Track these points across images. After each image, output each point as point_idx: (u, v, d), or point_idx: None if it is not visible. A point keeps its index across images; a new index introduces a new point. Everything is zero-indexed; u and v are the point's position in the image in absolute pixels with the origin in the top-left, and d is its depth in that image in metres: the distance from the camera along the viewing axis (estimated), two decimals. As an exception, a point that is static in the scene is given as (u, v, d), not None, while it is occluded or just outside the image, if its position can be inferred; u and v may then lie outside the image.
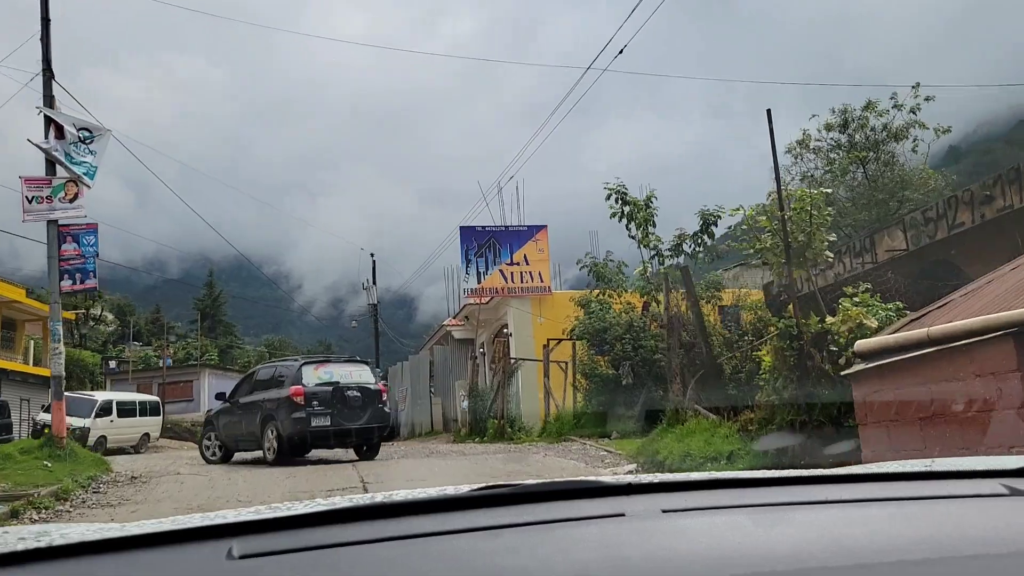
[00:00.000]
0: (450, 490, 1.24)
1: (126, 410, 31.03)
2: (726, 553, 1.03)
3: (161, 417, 33.27)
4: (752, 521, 1.17)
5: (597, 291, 19.34)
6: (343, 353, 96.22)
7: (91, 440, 28.25)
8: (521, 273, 26.36)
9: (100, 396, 30.65)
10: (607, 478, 1.36)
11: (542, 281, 26.43)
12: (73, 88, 23.98)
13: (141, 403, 32.01)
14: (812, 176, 19.33)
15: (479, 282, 26.08)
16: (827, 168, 19.03)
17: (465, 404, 24.90)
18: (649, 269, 17.20)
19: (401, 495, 1.22)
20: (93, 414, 28.98)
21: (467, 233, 26.35)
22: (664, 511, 1.18)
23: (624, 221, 16.69)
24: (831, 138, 19.21)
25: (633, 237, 16.78)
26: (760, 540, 1.08)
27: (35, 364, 35.88)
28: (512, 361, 23.11)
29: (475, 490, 1.21)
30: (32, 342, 37.46)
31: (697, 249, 16.79)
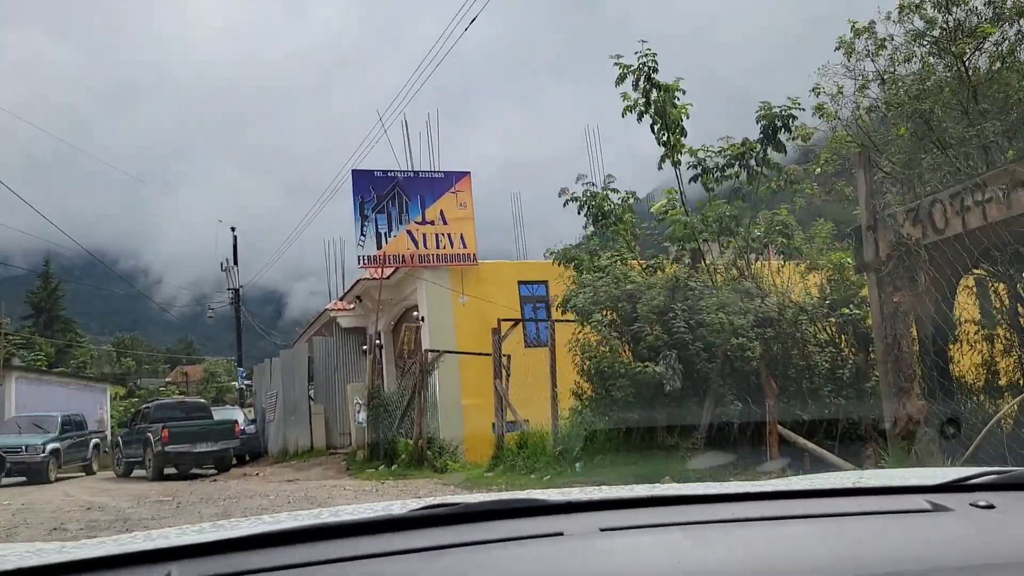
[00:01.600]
0: (395, 509, 1.25)
1: None
2: (660, 572, 1.04)
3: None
4: (687, 539, 1.16)
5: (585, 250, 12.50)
6: (205, 352, 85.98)
7: None
8: (437, 236, 19.35)
9: None
10: (548, 495, 1.35)
11: (465, 247, 19.49)
12: None
13: None
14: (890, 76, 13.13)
15: (379, 247, 18.89)
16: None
17: (362, 417, 17.68)
18: (675, 200, 10.62)
19: (347, 514, 1.24)
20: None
21: (362, 180, 19.08)
22: (602, 529, 1.17)
23: (649, 118, 10.03)
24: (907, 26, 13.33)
25: (664, 143, 10.12)
26: (693, 559, 1.08)
27: None
28: (432, 355, 16.08)
29: (418, 509, 1.22)
30: None
31: (759, 169, 10.32)
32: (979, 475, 1.52)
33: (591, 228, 11.77)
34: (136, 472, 22.84)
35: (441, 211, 19.48)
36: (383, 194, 19.10)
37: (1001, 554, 1.12)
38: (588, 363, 10.15)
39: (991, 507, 1.33)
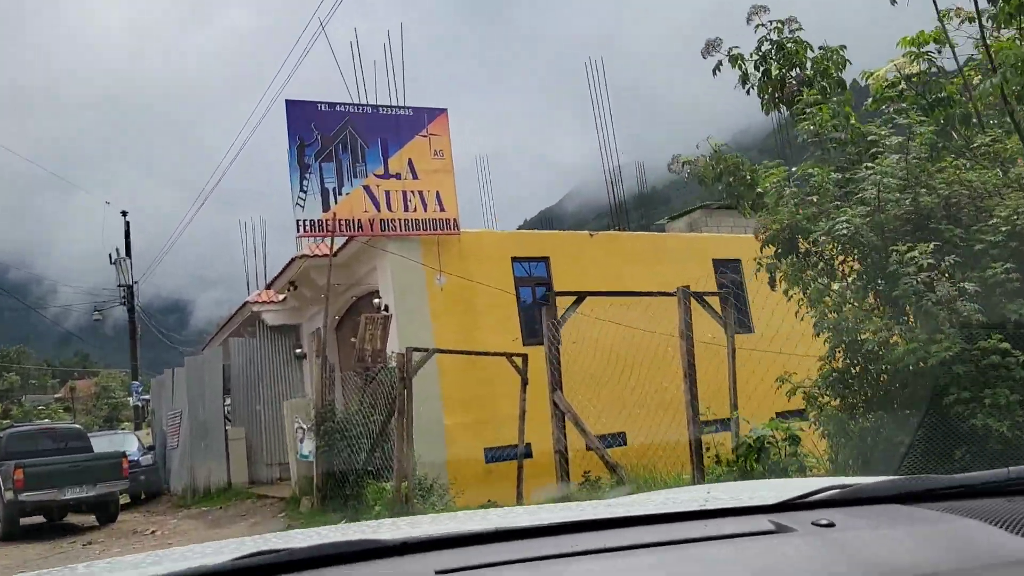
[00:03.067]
0: (216, 557, 1.16)
1: None
2: None
3: None
4: None
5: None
6: (102, 366, 77.86)
7: None
8: (405, 194, 14.11)
9: None
10: (385, 533, 1.32)
11: (442, 209, 14.32)
12: None
13: None
14: None
15: (326, 209, 13.54)
16: None
17: (307, 448, 12.30)
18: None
19: (160, 566, 1.17)
20: None
21: (298, 114, 13.65)
22: (438, 572, 1.12)
23: None
24: None
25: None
26: None
27: None
28: (417, 356, 10.79)
29: (240, 558, 1.12)
30: None
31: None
32: (821, 490, 1.53)
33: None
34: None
35: (410, 160, 14.24)
36: (330, 135, 13.74)
37: (840, 574, 1.11)
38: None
39: (831, 525, 1.34)
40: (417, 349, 10.82)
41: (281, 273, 15.97)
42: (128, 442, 20.57)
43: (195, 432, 18.68)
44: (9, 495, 14.58)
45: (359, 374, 12.85)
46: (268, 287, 16.93)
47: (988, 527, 1.31)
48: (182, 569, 1.09)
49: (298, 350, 18.63)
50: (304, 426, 12.51)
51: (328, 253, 14.80)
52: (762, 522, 1.36)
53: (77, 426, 18.74)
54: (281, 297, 18.29)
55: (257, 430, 18.12)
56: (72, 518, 16.65)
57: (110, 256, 28.77)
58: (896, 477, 1.83)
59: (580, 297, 9.97)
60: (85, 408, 45.68)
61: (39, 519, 15.82)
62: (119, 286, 28.78)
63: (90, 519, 17.09)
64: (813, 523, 1.34)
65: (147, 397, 28.93)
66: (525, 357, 11.47)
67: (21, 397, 66.08)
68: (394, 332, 13.25)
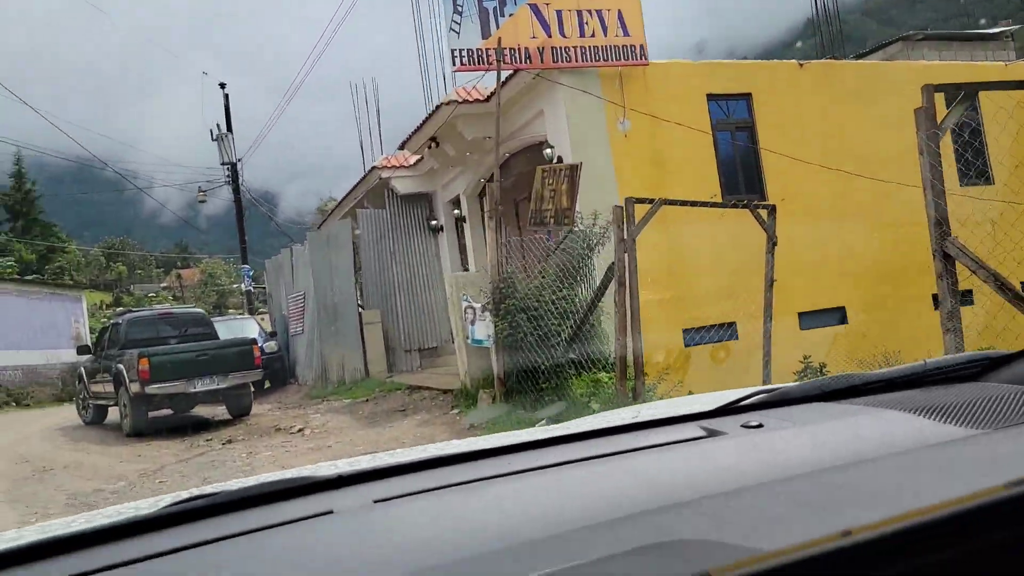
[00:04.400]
0: (142, 509, 1.13)
1: None
2: (437, 538, 0.99)
3: None
4: (466, 500, 1.13)
5: None
6: (203, 252, 78.57)
7: None
8: (581, 16, 11.22)
9: None
10: (318, 471, 1.28)
11: (626, 33, 11.39)
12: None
13: None
14: None
15: (486, 35, 10.81)
16: None
17: (484, 331, 9.98)
18: None
19: (79, 524, 1.10)
20: None
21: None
22: (376, 501, 1.12)
23: None
24: None
25: None
26: (468, 520, 1.05)
27: None
28: (646, 207, 8.15)
29: (171, 504, 1.11)
30: None
31: None
32: (751, 395, 1.58)
33: None
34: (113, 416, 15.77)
35: (585, -25, 11.27)
36: (487, -60, 10.86)
37: (770, 472, 1.11)
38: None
39: (760, 426, 1.38)
40: (639, 200, 8.18)
41: (421, 126, 13.39)
42: (248, 328, 18.89)
43: (323, 316, 16.78)
44: (135, 387, 12.92)
45: (535, 240, 10.37)
46: (402, 146, 14.41)
47: (906, 415, 1.34)
48: (104, 524, 1.04)
49: (433, 222, 16.29)
50: (475, 305, 10.18)
51: (480, 98, 12.17)
52: (695, 429, 1.39)
53: (199, 310, 17.01)
54: (414, 159, 15.86)
55: (392, 313, 16.06)
56: (200, 410, 15.10)
57: (211, 132, 26.79)
58: (823, 378, 1.89)
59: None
60: (194, 296, 45.27)
61: (164, 412, 14.29)
62: (223, 164, 26.91)
63: (219, 412, 15.56)
64: (743, 426, 1.38)
65: (253, 284, 27.51)
66: (772, 208, 8.71)
67: (129, 287, 67.08)
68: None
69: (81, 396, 16.29)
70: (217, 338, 14.90)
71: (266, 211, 33.19)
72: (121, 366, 13.43)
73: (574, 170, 10.02)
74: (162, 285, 68.87)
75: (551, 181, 10.18)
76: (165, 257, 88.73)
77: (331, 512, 1.08)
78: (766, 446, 1.29)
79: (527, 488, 1.17)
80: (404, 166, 15.95)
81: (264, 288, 25.02)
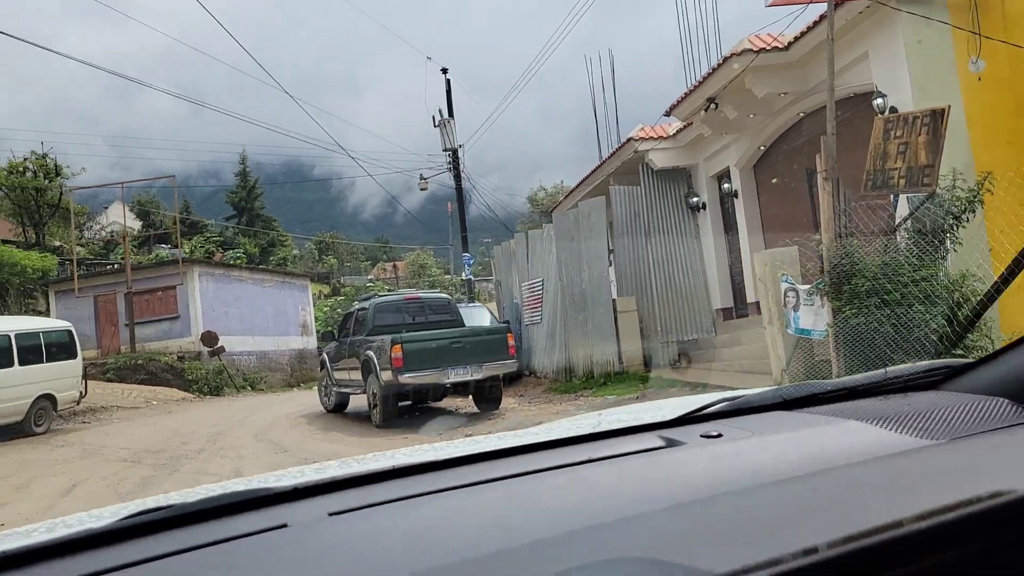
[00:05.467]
0: (90, 523, 1.09)
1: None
2: (389, 553, 0.99)
3: (78, 360, 17.39)
4: (413, 514, 1.11)
5: None
6: (399, 252, 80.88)
7: None
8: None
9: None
10: (272, 482, 1.25)
11: (982, -49, 9.11)
12: None
13: (24, 338, 16.03)
14: None
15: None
16: None
17: (809, 320, 8.11)
18: None
19: (39, 534, 1.09)
20: None
21: None
22: (331, 514, 1.11)
23: None
24: None
25: None
26: (428, 532, 1.05)
27: None
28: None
29: (126, 518, 1.09)
30: None
31: None
32: (711, 404, 1.55)
33: None
34: (356, 403, 15.28)
35: None
36: None
37: (728, 484, 1.10)
38: None
39: (719, 436, 1.36)
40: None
41: (700, 85, 11.65)
42: (477, 316, 17.95)
43: (568, 303, 15.46)
44: (387, 375, 12.11)
45: (872, 207, 8.37)
46: (669, 112, 12.74)
47: (865, 425, 1.34)
48: (56, 537, 1.01)
49: (694, 199, 14.51)
50: (798, 287, 8.35)
51: (779, 46, 10.30)
52: (653, 439, 1.37)
53: (445, 296, 16.22)
54: (673, 130, 14.17)
55: (646, 300, 14.46)
56: (446, 402, 14.21)
57: (434, 118, 26.36)
58: (781, 386, 1.95)
59: None
60: (408, 286, 46.05)
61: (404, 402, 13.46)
62: (444, 150, 26.41)
63: (465, 404, 14.61)
64: (702, 435, 1.36)
65: (470, 274, 26.91)
66: None
67: (339, 278, 70.07)
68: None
69: (324, 383, 15.90)
70: (463, 325, 13.94)
71: (485, 205, 32.56)
72: (371, 352, 12.69)
73: (938, 117, 7.93)
74: (369, 277, 71.38)
75: (900, 133, 8.15)
76: (371, 250, 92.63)
77: (285, 526, 1.06)
78: (725, 457, 1.27)
79: (482, 501, 1.14)
80: (663, 137, 14.28)
81: (491, 276, 24.22)
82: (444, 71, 26.82)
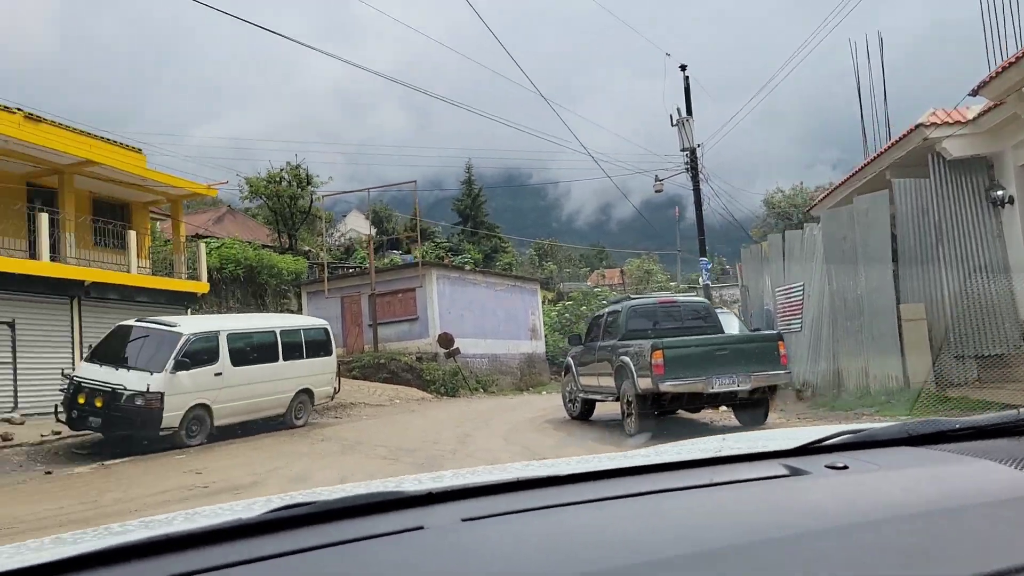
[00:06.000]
0: (248, 511, 1.14)
1: (255, 350, 16.04)
2: (522, 560, 1.02)
3: (333, 357, 18.09)
4: (544, 524, 1.14)
5: None
6: (616, 259, 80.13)
7: (171, 417, 13.93)
8: None
9: (194, 324, 15.73)
10: (408, 485, 1.29)
11: None
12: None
13: (288, 334, 16.84)
14: None
15: None
16: None
17: None
18: None
19: (191, 521, 1.15)
20: (171, 362, 14.16)
21: None
22: (463, 520, 1.14)
23: None
24: None
25: None
26: (552, 545, 1.07)
27: (155, 272, 22.29)
28: None
29: (270, 511, 1.13)
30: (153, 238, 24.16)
31: None
32: (835, 435, 1.54)
33: None
34: (599, 411, 14.67)
35: None
36: None
37: (853, 515, 1.10)
38: None
39: (845, 468, 1.35)
40: None
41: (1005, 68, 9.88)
42: (728, 322, 16.73)
43: (838, 310, 13.94)
44: (644, 383, 11.34)
45: None
46: (976, 92, 11.00)
47: (997, 465, 1.32)
48: (207, 526, 1.07)
49: (998, 192, 12.56)
50: None
51: None
52: (776, 467, 1.37)
53: (703, 300, 15.25)
54: (976, 113, 12.34)
55: (937, 307, 12.68)
56: (698, 413, 13.22)
57: (671, 117, 25.37)
58: (907, 420, 1.84)
59: None
60: (636, 291, 45.24)
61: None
62: (682, 150, 25.34)
63: (722, 417, 13.55)
64: (827, 466, 1.36)
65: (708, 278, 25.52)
66: None
67: (558, 284, 70.51)
68: None
69: (568, 388, 15.41)
70: (723, 331, 12.90)
71: (724, 208, 31.16)
72: (626, 358, 11.97)
73: None
74: (588, 283, 71.27)
75: None
76: (587, 256, 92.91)
77: (421, 528, 1.10)
78: (851, 488, 1.27)
79: (609, 516, 1.17)
80: (960, 122, 12.47)
81: (725, 283, 22.82)
82: (683, 68, 25.79)
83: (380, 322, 26.85)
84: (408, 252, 44.09)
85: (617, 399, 12.68)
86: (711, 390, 11.22)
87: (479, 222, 70.73)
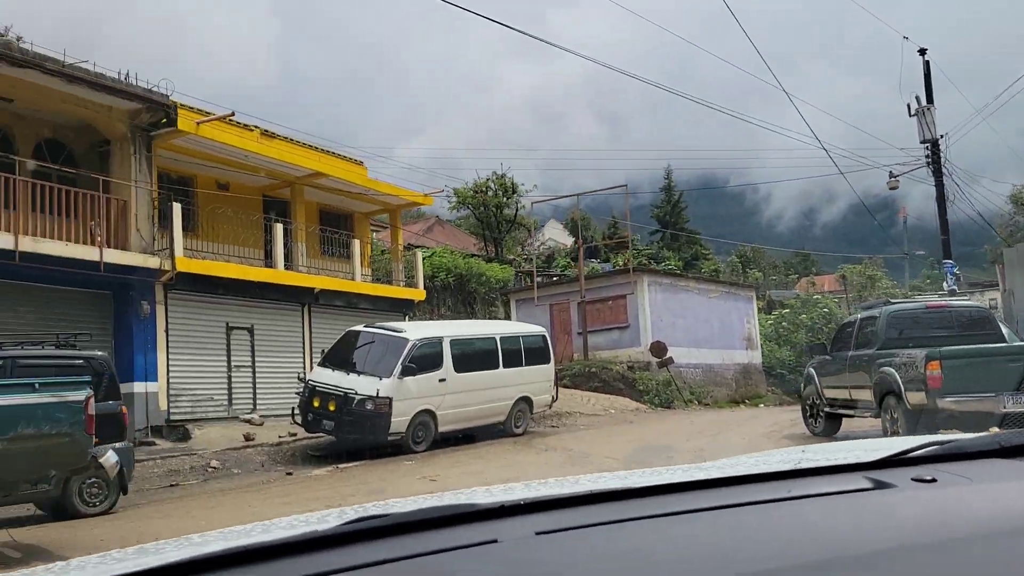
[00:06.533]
0: (325, 523, 1.15)
1: (477, 357, 15.92)
2: (596, 573, 1.02)
3: (551, 365, 17.68)
4: (626, 538, 1.12)
5: None
6: (824, 264, 75.30)
7: (399, 422, 14.03)
8: None
9: (419, 330, 15.75)
10: (480, 498, 1.28)
11: None
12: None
13: (507, 341, 16.60)
14: None
15: None
16: None
17: None
18: None
19: (266, 532, 1.15)
20: (398, 367, 14.24)
21: None
22: (538, 533, 1.12)
23: None
24: None
25: None
26: (633, 558, 1.05)
27: (375, 280, 22.92)
28: None
29: (345, 523, 1.14)
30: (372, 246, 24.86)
31: None
32: (921, 446, 1.51)
33: None
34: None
35: None
36: None
37: (943, 531, 1.07)
38: None
39: (933, 481, 1.31)
40: None
41: None
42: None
43: None
44: (916, 397, 9.94)
45: None
46: None
47: None
48: (283, 537, 1.08)
49: None
50: None
51: None
52: (859, 480, 1.33)
53: (980, 305, 13.52)
54: None
55: None
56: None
57: (908, 107, 23.07)
58: (997, 432, 1.86)
59: None
60: (859, 297, 41.98)
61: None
62: (922, 142, 22.96)
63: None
64: (914, 479, 1.32)
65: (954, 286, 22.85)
66: None
67: (765, 292, 67.34)
68: None
69: (810, 402, 14.04)
70: (1005, 341, 11.17)
71: (975, 210, 28.17)
72: (890, 369, 10.59)
73: None
74: (795, 290, 67.65)
75: None
76: (790, 263, 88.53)
77: (495, 541, 1.09)
78: (940, 503, 1.24)
79: (686, 530, 1.15)
80: None
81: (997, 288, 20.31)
82: (922, 52, 23.42)
83: (590, 330, 26.30)
84: (607, 260, 43.45)
85: (876, 416, 11.29)
86: (1002, 409, 9.62)
87: (679, 228, 69.03)
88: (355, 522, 1.13)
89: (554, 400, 17.80)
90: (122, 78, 15.39)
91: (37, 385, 7.93)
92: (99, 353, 10.37)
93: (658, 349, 25.28)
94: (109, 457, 8.80)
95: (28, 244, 13.65)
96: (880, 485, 1.28)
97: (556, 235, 59.18)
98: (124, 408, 9.97)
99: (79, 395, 8.08)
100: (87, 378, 8.82)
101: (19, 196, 13.94)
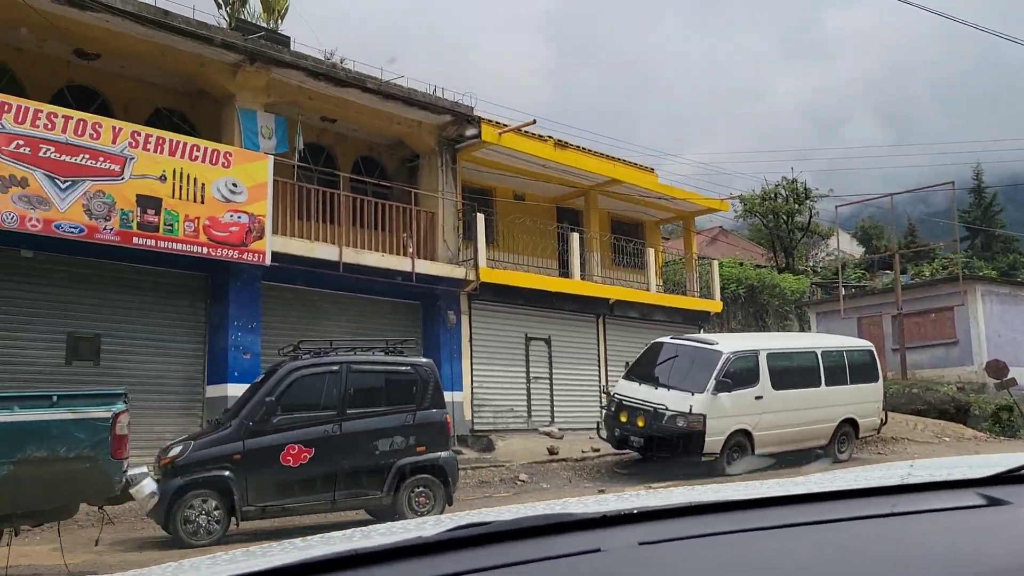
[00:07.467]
0: (425, 531, 1.17)
1: (796, 373, 14.36)
2: None
3: (880, 384, 15.60)
4: (729, 550, 1.11)
5: None
6: None
7: (713, 442, 12.97)
8: None
9: (734, 343, 14.44)
10: (581, 509, 1.29)
11: None
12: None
13: (829, 356, 14.82)
14: None
15: None
16: None
17: None
18: None
19: (371, 538, 1.20)
20: (711, 382, 13.12)
21: None
22: (641, 543, 1.11)
23: None
24: None
25: None
26: (734, 571, 1.05)
27: (666, 290, 21.82)
28: None
29: (448, 531, 1.15)
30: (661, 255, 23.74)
31: None
32: None
33: None
34: None
35: None
36: None
37: None
38: None
39: None
40: None
41: None
42: None
43: None
44: None
45: None
46: None
47: None
48: (388, 543, 1.09)
49: None
50: None
51: None
52: (972, 496, 1.26)
53: None
54: None
55: None
56: None
57: None
58: None
59: None
60: None
61: None
62: None
63: None
64: None
65: None
66: None
67: None
68: None
69: None
70: None
71: None
72: None
73: None
74: None
75: None
76: None
77: (598, 550, 1.07)
78: None
79: (792, 545, 1.13)
80: None
81: None
82: None
83: (908, 346, 23.37)
84: (904, 272, 38.93)
85: None
86: None
87: (992, 236, 61.16)
88: (455, 529, 1.13)
89: (883, 424, 15.71)
90: (431, 93, 15.79)
91: (56, 398, 6.82)
92: (425, 360, 10.31)
93: (996, 369, 21.86)
94: (144, 487, 7.33)
95: (350, 255, 14.24)
96: (993, 502, 1.22)
97: (842, 245, 54.71)
98: (448, 417, 9.77)
99: (104, 411, 6.80)
100: (121, 391, 7.54)
101: (341, 210, 14.63)
